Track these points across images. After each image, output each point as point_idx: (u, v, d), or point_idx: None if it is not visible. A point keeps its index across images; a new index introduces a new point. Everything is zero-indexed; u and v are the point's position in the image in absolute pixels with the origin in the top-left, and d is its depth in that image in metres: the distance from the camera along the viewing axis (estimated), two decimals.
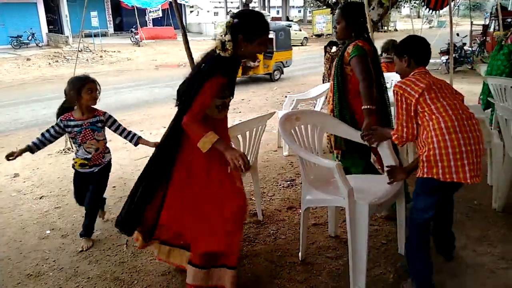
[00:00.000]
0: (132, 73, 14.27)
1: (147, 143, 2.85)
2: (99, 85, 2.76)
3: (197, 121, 2.07)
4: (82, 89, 2.66)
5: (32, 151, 2.73)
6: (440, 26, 20.46)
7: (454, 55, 10.77)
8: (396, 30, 32.75)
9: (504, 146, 3.11)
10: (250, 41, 2.08)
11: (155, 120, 7.28)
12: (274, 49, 11.21)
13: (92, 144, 2.79)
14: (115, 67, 15.65)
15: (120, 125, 2.91)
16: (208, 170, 2.18)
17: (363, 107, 2.67)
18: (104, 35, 24.31)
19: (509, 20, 13.60)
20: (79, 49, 17.24)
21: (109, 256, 2.77)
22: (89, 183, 2.88)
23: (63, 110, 2.76)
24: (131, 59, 17.63)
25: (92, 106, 2.78)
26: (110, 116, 2.89)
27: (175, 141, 2.20)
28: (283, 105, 5.62)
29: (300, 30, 26.42)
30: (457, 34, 12.54)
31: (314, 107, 5.54)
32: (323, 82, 7.51)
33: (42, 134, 2.73)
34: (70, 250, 2.89)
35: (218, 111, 2.21)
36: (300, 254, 2.66)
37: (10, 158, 2.67)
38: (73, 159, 2.88)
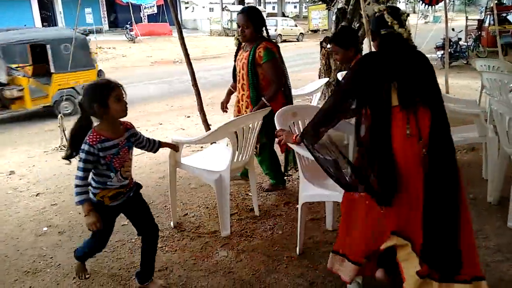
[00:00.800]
0: (127, 69, 14.21)
1: (168, 145, 2.55)
2: (124, 90, 2.09)
3: None
4: (109, 98, 1.99)
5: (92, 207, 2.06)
6: (436, 21, 20.45)
7: (449, 50, 10.79)
8: None
9: (499, 141, 3.13)
10: None
11: (150, 117, 7.27)
12: (53, 70, 7.50)
13: (129, 166, 2.18)
14: (110, 64, 15.56)
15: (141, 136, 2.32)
16: None
17: (262, 99, 3.23)
18: (99, 31, 24.14)
19: (504, 14, 13.67)
20: None
21: (106, 252, 2.76)
22: (128, 212, 2.28)
23: (81, 130, 2.05)
24: (126, 56, 17.54)
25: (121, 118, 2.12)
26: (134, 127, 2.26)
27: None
28: None
29: (296, 26, 26.38)
30: (452, 29, 12.58)
31: (311, 102, 5.53)
32: (319, 78, 7.54)
33: (81, 178, 2.00)
34: (67, 247, 2.88)
35: None
36: (297, 248, 2.67)
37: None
38: (95, 193, 2.09)
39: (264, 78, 3.29)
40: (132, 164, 2.23)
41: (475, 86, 7.84)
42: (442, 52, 10.49)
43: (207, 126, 4.51)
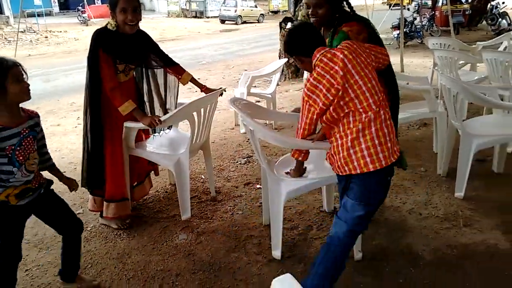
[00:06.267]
0: (80, 53, 13.57)
1: (58, 174, 2.12)
2: (24, 69, 1.82)
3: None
4: (6, 79, 1.71)
5: None
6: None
7: (405, 30, 11.09)
8: None
9: (448, 115, 3.27)
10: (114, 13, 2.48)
11: None
12: None
13: (35, 158, 1.88)
14: (62, 48, 14.84)
15: (44, 136, 2.00)
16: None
17: None
18: (49, 14, 22.90)
19: None
20: (22, 30, 16.15)
21: (60, 243, 2.64)
22: (41, 212, 2.02)
23: None
24: (79, 39, 16.75)
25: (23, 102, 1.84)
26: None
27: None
28: (239, 82, 5.58)
29: (256, 7, 26.13)
30: (408, 9, 12.91)
31: (271, 83, 5.53)
32: (280, 59, 7.54)
33: None
34: None
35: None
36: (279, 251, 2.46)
37: None
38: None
39: None
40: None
41: (429, 64, 8.10)
42: (398, 32, 10.75)
43: (164, 110, 4.40)
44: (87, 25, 20.59)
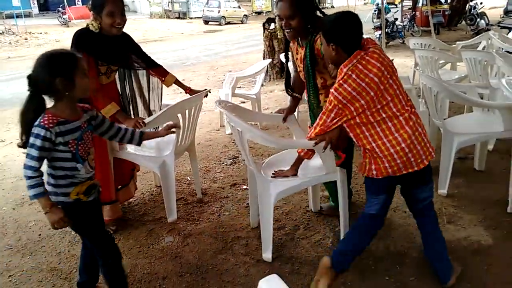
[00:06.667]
0: None
1: (155, 134, 2.20)
2: None
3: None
4: (75, 73, 1.68)
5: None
6: (373, 3, 21.17)
7: (386, 30, 11.25)
8: (333, 6, 33.43)
9: (429, 114, 3.33)
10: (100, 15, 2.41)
11: None
12: None
13: (93, 154, 1.87)
14: (42, 50, 14.45)
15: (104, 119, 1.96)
16: None
17: None
18: (28, 15, 22.46)
19: None
20: (0, 31, 15.84)
21: (44, 247, 2.63)
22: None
23: (34, 113, 1.68)
24: (60, 41, 16.51)
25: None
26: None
27: None
28: (223, 83, 5.57)
29: (240, 8, 26.15)
30: (390, 10, 13.11)
31: (255, 83, 5.54)
32: (264, 59, 7.56)
33: (34, 169, 1.64)
34: (0, 245, 2.70)
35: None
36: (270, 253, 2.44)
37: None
38: (68, 193, 1.77)
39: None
40: None
41: (410, 64, 8.23)
42: (380, 32, 10.89)
43: (148, 112, 4.37)
44: (68, 26, 20.29)
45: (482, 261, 2.30)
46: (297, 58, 2.51)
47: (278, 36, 7.53)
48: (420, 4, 14.40)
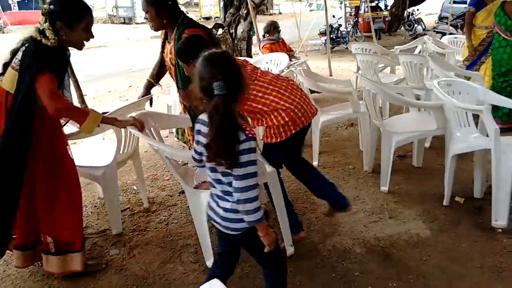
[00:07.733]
0: None
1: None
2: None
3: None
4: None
5: None
6: (318, 9, 21.84)
7: (331, 36, 11.63)
8: (280, 13, 34.05)
9: (370, 116, 3.47)
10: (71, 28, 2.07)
11: None
12: None
13: None
14: None
15: None
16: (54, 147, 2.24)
17: None
18: None
19: (376, 2, 15.16)
20: None
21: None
22: None
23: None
24: None
25: None
26: None
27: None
28: (170, 89, 5.48)
29: (187, 13, 25.89)
30: (333, 16, 13.55)
31: None
32: None
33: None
34: None
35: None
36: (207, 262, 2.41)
37: None
38: None
39: None
40: None
41: (354, 68, 8.54)
42: (325, 37, 11.23)
43: None
44: (3, 32, 19.01)
45: (421, 252, 2.42)
46: (165, 53, 2.73)
47: (228, 41, 7.55)
48: (362, 11, 15.05)
